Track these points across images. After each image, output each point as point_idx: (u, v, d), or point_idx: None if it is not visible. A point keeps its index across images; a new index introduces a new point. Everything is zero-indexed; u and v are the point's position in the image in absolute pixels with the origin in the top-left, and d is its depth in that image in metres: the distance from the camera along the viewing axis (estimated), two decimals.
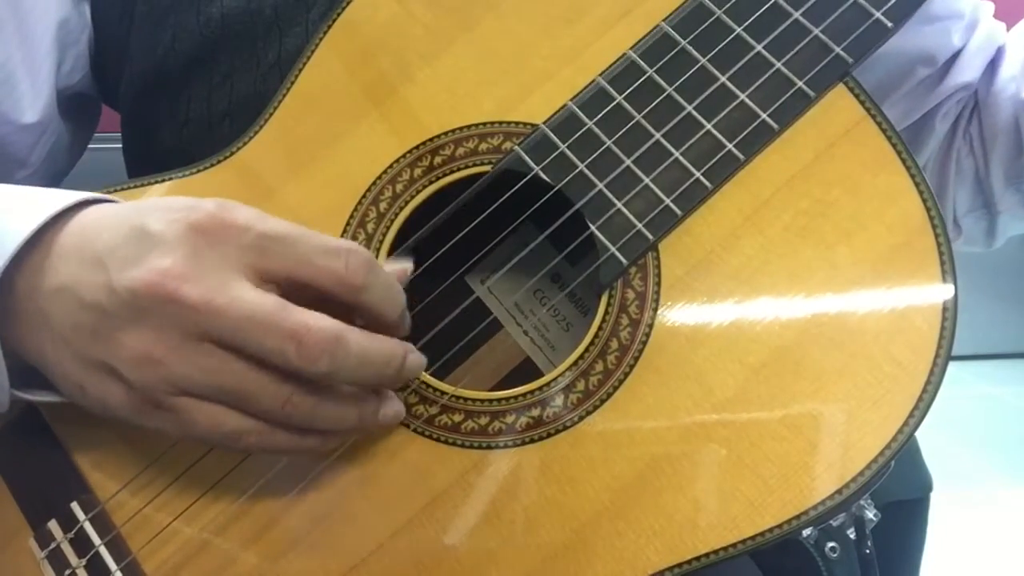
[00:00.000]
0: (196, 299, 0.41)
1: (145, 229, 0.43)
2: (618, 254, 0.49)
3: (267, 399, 0.43)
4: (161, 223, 0.43)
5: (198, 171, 0.56)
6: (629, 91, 0.51)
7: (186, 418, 0.44)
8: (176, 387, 0.43)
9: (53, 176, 0.70)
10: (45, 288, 0.45)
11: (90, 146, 0.74)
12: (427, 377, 0.50)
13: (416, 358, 0.47)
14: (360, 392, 0.46)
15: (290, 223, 0.44)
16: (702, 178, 0.49)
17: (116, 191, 0.55)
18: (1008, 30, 0.70)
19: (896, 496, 0.70)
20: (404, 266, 0.48)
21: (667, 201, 0.49)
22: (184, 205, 0.44)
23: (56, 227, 0.46)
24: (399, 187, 0.53)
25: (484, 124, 0.53)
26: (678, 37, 0.51)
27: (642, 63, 0.52)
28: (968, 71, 0.67)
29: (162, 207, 0.44)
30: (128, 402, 0.44)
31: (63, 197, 0.47)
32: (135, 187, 0.56)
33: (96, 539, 0.50)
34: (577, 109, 0.52)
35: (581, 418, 0.48)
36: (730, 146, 0.49)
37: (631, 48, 0.52)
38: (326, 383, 0.44)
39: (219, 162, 0.56)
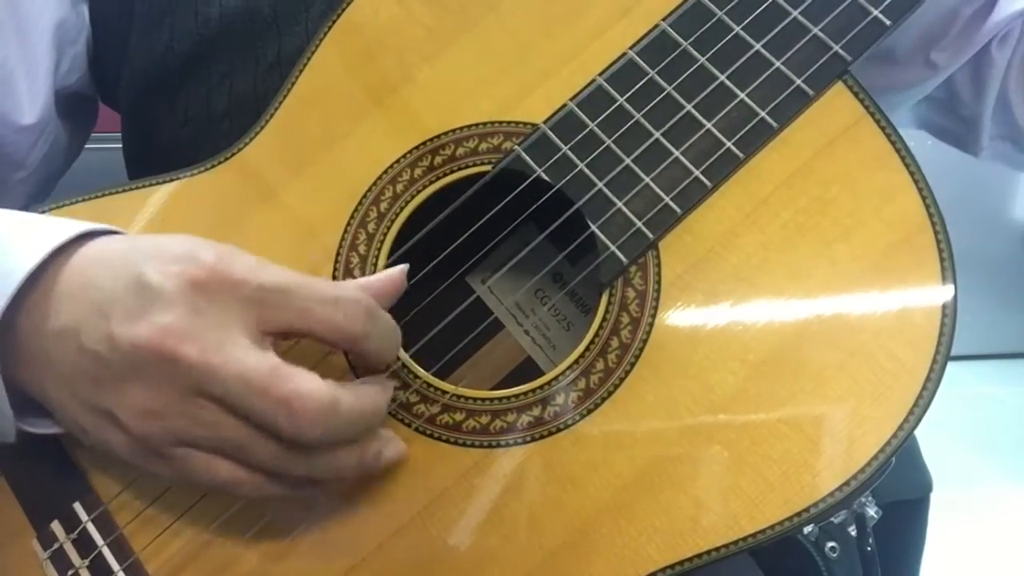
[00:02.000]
0: (194, 358, 0.42)
1: (144, 281, 0.43)
2: (618, 253, 0.49)
3: (261, 454, 0.44)
4: (160, 275, 0.43)
5: (200, 172, 0.56)
6: (629, 90, 0.51)
7: (184, 466, 0.44)
8: (175, 438, 0.44)
9: (49, 177, 0.70)
10: (47, 329, 0.45)
11: (89, 146, 0.74)
12: (428, 376, 0.50)
13: (391, 388, 0.48)
14: (358, 442, 0.46)
15: (289, 272, 0.44)
16: (702, 177, 0.49)
17: (119, 192, 0.55)
18: None
19: (896, 496, 0.70)
20: (401, 268, 0.48)
21: (667, 200, 0.49)
22: (183, 256, 0.44)
23: (56, 262, 0.46)
24: (399, 187, 0.53)
25: (484, 124, 0.53)
26: (677, 36, 0.52)
27: (641, 62, 0.52)
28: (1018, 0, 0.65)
29: (161, 256, 0.44)
30: (129, 448, 0.45)
31: (60, 231, 0.47)
32: (138, 188, 0.56)
33: (99, 540, 0.50)
34: (577, 109, 0.52)
35: (582, 416, 0.48)
36: (729, 145, 0.49)
37: (630, 47, 0.52)
38: (319, 446, 0.44)
39: (220, 163, 0.56)
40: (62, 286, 0.46)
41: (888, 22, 0.49)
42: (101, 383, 0.44)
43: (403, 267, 0.49)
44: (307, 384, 0.43)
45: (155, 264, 0.43)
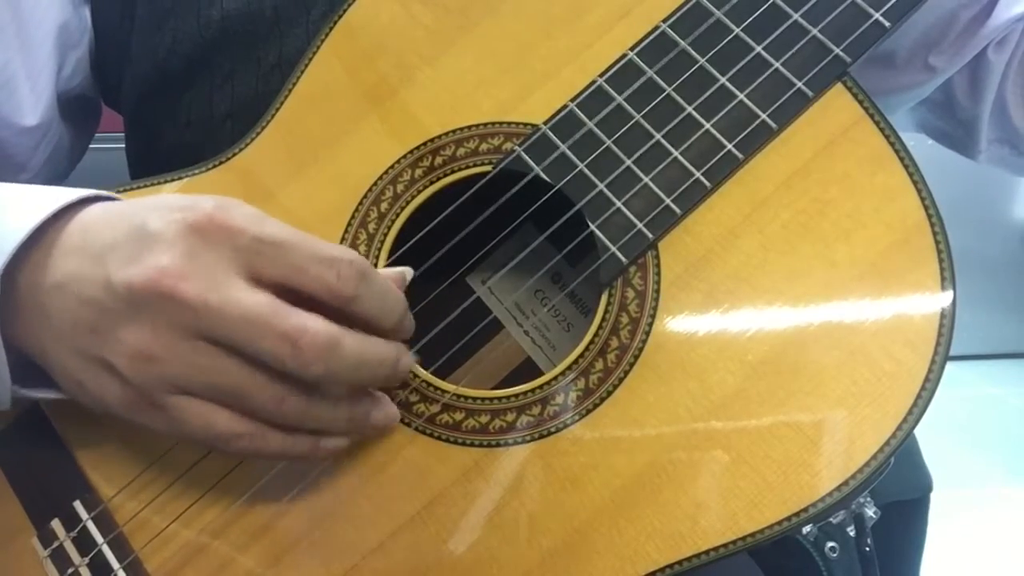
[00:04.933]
0: (192, 297, 0.42)
1: (144, 227, 0.44)
2: (618, 253, 0.49)
3: (261, 397, 0.43)
4: (160, 222, 0.43)
5: (201, 172, 0.56)
6: (629, 91, 0.51)
7: (178, 416, 0.44)
8: (171, 384, 0.43)
9: (53, 179, 0.70)
10: (46, 284, 0.46)
11: (92, 146, 0.74)
12: (428, 376, 0.50)
13: (407, 359, 0.47)
14: (353, 394, 0.46)
15: (288, 227, 0.44)
16: (701, 178, 0.49)
17: (120, 192, 0.55)
18: None
19: (896, 496, 0.70)
20: (402, 271, 0.49)
21: (667, 200, 0.49)
22: (183, 204, 0.44)
23: (57, 224, 0.47)
24: (400, 187, 0.53)
25: (484, 124, 0.53)
26: (677, 38, 0.52)
27: (641, 63, 0.52)
28: (1020, 3, 0.64)
29: (161, 206, 0.45)
30: (124, 398, 0.45)
31: (64, 194, 0.48)
32: (139, 188, 0.56)
33: (99, 538, 0.50)
34: (577, 109, 0.52)
35: (582, 416, 0.48)
36: (729, 146, 0.49)
37: (631, 48, 0.52)
38: (320, 385, 0.44)
39: (221, 163, 0.56)
40: (62, 244, 0.46)
41: (887, 24, 0.49)
42: (98, 331, 0.44)
43: (407, 269, 0.49)
44: (310, 320, 0.43)
45: (156, 213, 0.44)
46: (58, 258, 0.46)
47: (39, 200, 0.47)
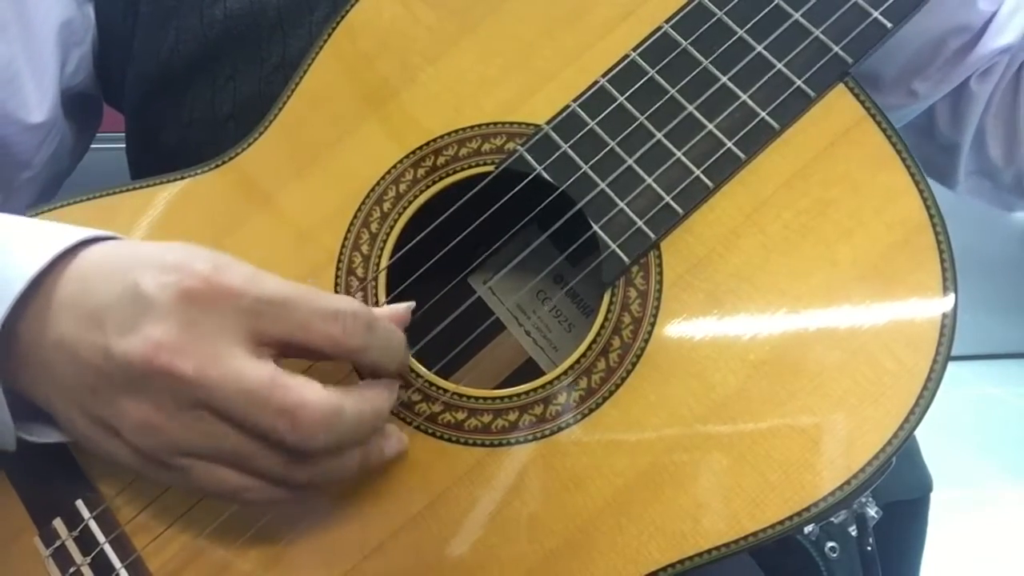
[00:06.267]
0: (190, 373, 0.42)
1: (136, 289, 0.43)
2: (620, 253, 0.49)
3: (263, 464, 0.44)
4: (153, 285, 0.43)
5: (202, 172, 0.56)
6: (631, 91, 0.51)
7: (190, 475, 0.44)
8: (178, 450, 0.44)
9: (55, 177, 0.70)
10: (46, 340, 0.45)
11: (93, 146, 0.74)
12: (430, 375, 0.50)
13: (399, 395, 0.48)
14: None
15: (287, 283, 0.44)
16: (703, 177, 0.49)
17: (121, 192, 0.55)
18: None
19: (896, 496, 0.70)
20: (407, 308, 0.49)
21: (668, 200, 0.49)
22: (177, 263, 0.43)
23: (56, 269, 0.46)
24: (402, 187, 0.54)
25: (487, 124, 0.53)
26: (680, 38, 0.52)
27: (644, 64, 0.52)
28: (1004, 35, 0.64)
29: (155, 263, 0.44)
30: (134, 460, 0.45)
31: (59, 238, 0.47)
32: (140, 188, 0.56)
33: (101, 537, 0.50)
34: (579, 109, 0.52)
35: (584, 416, 0.48)
36: (731, 146, 0.50)
37: (633, 49, 0.52)
38: (325, 453, 0.45)
39: (223, 163, 0.56)
40: (61, 294, 0.45)
41: (889, 24, 0.49)
42: (100, 394, 0.44)
43: (409, 305, 0.49)
44: (309, 393, 0.42)
45: (150, 273, 0.43)
46: (56, 312, 0.45)
47: (35, 245, 0.46)
